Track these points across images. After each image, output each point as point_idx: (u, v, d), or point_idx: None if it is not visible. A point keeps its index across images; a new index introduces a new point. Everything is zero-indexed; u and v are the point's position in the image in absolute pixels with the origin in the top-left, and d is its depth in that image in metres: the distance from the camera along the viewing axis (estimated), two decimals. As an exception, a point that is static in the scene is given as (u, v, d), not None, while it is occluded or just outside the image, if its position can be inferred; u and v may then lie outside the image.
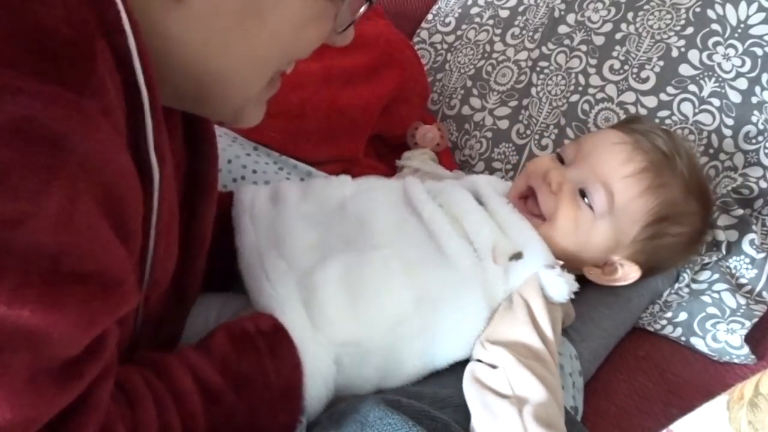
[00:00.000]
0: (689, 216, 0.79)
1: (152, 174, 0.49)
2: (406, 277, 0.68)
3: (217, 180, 0.65)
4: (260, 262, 0.69)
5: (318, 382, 0.62)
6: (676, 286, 0.90)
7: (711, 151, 0.98)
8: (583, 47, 1.10)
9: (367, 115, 1.00)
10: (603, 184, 0.75)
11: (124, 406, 0.51)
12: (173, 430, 0.54)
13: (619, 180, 0.76)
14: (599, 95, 1.06)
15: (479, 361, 0.67)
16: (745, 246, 0.91)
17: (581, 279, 0.80)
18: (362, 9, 0.58)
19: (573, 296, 0.72)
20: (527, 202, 0.78)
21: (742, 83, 0.98)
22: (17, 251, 0.39)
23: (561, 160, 0.81)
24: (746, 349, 0.80)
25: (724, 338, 0.82)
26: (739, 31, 1.00)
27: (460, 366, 0.70)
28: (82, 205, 0.41)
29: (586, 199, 0.76)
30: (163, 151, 0.50)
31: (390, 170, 1.02)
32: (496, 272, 0.70)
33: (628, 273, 0.78)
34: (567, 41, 1.12)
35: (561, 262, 0.72)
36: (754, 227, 0.92)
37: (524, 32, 1.17)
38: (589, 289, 0.81)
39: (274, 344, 0.61)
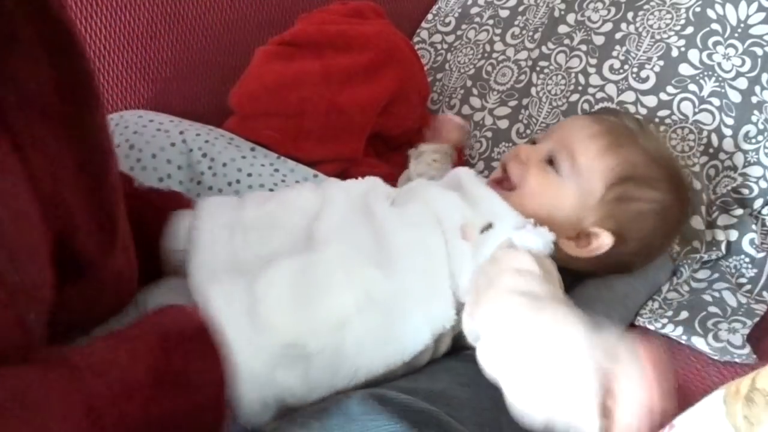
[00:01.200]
0: (655, 182, 0.80)
1: None
2: (346, 278, 0.67)
3: (100, 96, 0.60)
4: (211, 275, 0.69)
5: (254, 384, 0.61)
6: (675, 281, 0.90)
7: (711, 150, 0.98)
8: (583, 47, 1.10)
9: (366, 114, 1.00)
10: (565, 147, 0.80)
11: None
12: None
13: (579, 141, 0.80)
14: (599, 95, 1.06)
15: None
16: (745, 245, 0.91)
17: (576, 276, 0.80)
18: None
19: (552, 246, 0.71)
20: (502, 183, 0.82)
21: (742, 83, 0.98)
22: None
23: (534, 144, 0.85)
24: (748, 349, 0.80)
25: (725, 337, 0.82)
26: (739, 30, 1.00)
27: (453, 360, 0.70)
28: None
29: (553, 166, 0.80)
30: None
31: (391, 169, 1.02)
32: (463, 249, 0.70)
33: (601, 240, 0.79)
34: (567, 41, 1.12)
35: (531, 220, 0.72)
36: (753, 227, 0.92)
37: (524, 32, 1.17)
38: (584, 285, 0.81)
39: (197, 345, 0.60)
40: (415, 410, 0.57)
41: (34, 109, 0.53)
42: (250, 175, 0.90)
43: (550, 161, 0.80)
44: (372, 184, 0.82)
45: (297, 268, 0.67)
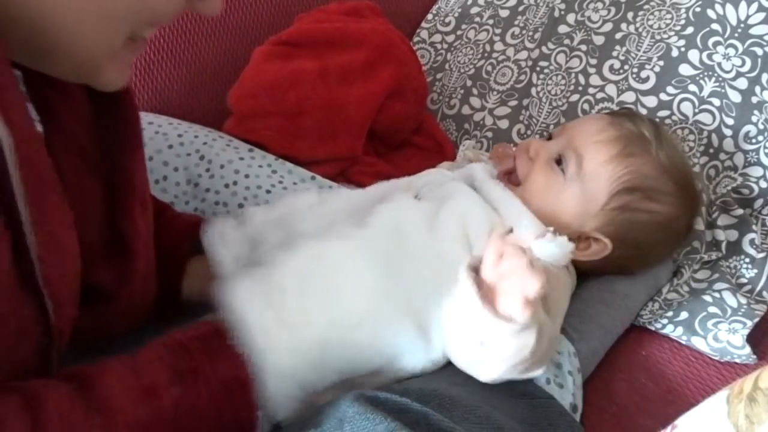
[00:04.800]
0: (663, 195, 0.79)
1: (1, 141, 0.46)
2: (369, 272, 0.67)
3: (141, 137, 0.63)
4: (232, 274, 0.69)
5: (283, 379, 0.61)
6: (675, 282, 0.90)
7: (711, 151, 0.98)
8: (583, 47, 1.10)
9: (363, 112, 1.00)
10: (574, 149, 0.79)
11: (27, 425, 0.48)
12: None
13: (589, 145, 0.79)
14: (599, 95, 1.06)
15: None
16: (745, 246, 0.91)
17: (579, 276, 0.80)
18: None
19: (572, 256, 0.72)
20: (511, 176, 0.82)
21: (742, 83, 0.98)
22: None
23: (550, 139, 0.84)
24: (748, 349, 0.80)
25: (725, 338, 0.81)
26: (739, 30, 1.00)
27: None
28: None
29: (561, 166, 0.79)
30: (15, 113, 0.46)
31: (390, 169, 1.02)
32: None
33: (601, 246, 0.79)
34: (567, 41, 1.12)
35: (551, 228, 0.73)
36: (754, 227, 0.92)
37: (524, 32, 1.17)
38: (586, 287, 0.81)
39: (210, 345, 0.60)
40: (407, 410, 0.57)
41: (74, 148, 0.55)
42: (247, 176, 0.90)
43: (558, 161, 0.79)
44: (386, 186, 0.82)
45: (314, 256, 0.67)
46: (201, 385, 0.58)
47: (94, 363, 0.56)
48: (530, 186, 0.79)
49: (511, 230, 0.73)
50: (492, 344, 0.61)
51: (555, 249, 0.70)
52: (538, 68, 1.12)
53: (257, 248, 0.74)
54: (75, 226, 0.54)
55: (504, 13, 1.20)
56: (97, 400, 0.52)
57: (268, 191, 0.89)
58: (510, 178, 0.81)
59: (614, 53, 1.07)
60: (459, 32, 1.23)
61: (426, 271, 0.69)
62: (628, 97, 1.03)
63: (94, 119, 0.59)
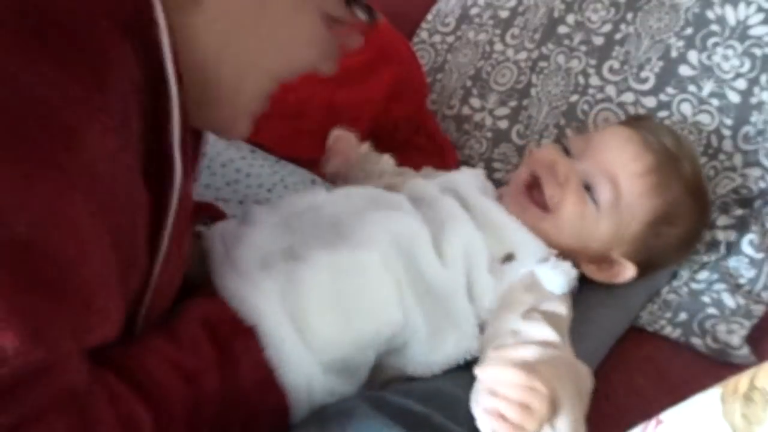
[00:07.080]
0: (687, 216, 0.80)
1: (174, 171, 0.49)
2: (396, 289, 0.65)
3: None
4: (239, 276, 0.66)
5: (303, 389, 0.61)
6: (674, 284, 0.90)
7: (710, 151, 0.98)
8: (583, 48, 1.10)
9: (363, 113, 1.00)
10: (610, 179, 0.76)
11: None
12: (139, 421, 0.51)
13: (627, 177, 0.76)
14: (599, 95, 1.06)
15: None
16: (745, 246, 0.91)
17: (579, 279, 0.80)
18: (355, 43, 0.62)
19: (575, 283, 0.72)
20: (532, 192, 0.78)
21: (741, 84, 0.98)
22: None
23: (566, 152, 0.81)
24: (746, 350, 0.80)
25: (724, 338, 0.82)
26: (738, 31, 1.00)
27: None
28: (72, 205, 0.39)
29: (590, 193, 0.76)
30: (187, 146, 0.50)
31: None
32: (487, 281, 0.69)
33: (625, 271, 0.79)
34: (566, 42, 1.12)
35: (555, 251, 0.72)
36: (753, 227, 0.92)
37: (524, 32, 1.17)
38: (585, 289, 0.81)
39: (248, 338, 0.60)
40: (410, 413, 0.58)
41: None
42: (248, 175, 0.90)
43: (588, 186, 0.76)
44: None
45: (339, 269, 0.65)
46: (246, 372, 0.58)
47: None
48: (564, 217, 0.75)
49: (511, 255, 0.71)
50: None
51: (557, 274, 0.69)
52: (537, 69, 1.12)
53: (262, 249, 0.71)
54: None
55: (504, 14, 1.20)
56: (145, 378, 0.54)
57: (269, 190, 0.89)
58: (535, 200, 0.77)
59: (614, 54, 1.07)
60: (459, 33, 1.23)
61: (430, 296, 0.68)
62: (628, 97, 1.03)
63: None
